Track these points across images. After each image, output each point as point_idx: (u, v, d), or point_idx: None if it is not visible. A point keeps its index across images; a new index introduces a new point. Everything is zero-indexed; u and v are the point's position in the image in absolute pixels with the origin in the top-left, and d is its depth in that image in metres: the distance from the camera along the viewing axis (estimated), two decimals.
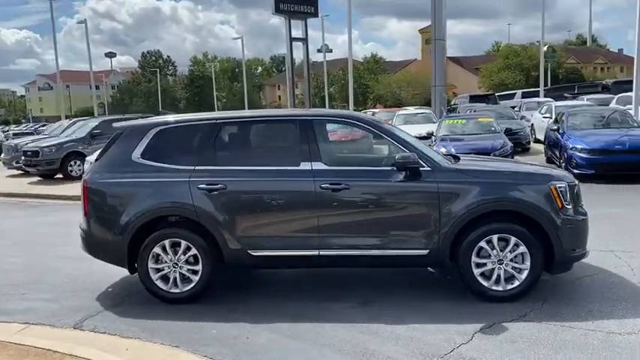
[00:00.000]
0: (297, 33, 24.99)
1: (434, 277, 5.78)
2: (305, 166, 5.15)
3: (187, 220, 5.26)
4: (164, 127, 5.51)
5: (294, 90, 30.56)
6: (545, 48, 45.23)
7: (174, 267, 5.26)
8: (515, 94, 32.06)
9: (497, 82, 52.20)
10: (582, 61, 72.52)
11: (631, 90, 22.38)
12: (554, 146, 13.59)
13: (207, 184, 5.17)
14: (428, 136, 14.75)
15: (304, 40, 31.04)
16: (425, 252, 5.02)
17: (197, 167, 5.27)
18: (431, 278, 5.78)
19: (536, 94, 30.59)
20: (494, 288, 4.99)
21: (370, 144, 5.92)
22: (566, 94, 27.38)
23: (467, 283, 5.03)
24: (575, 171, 10.95)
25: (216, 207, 5.16)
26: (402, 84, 58.30)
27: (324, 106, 61.39)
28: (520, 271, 4.96)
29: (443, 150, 11.43)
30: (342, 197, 5.06)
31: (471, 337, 4.30)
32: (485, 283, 4.99)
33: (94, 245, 5.49)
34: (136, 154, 5.38)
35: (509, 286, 4.97)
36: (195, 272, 5.25)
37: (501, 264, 4.97)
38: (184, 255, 5.24)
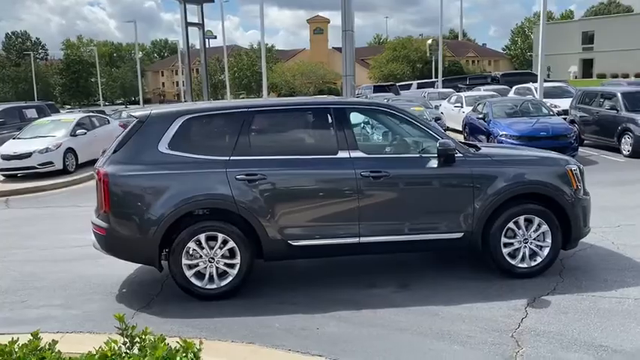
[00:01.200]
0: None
1: (451, 259, 6.06)
2: (343, 154, 5.17)
3: (224, 213, 5.05)
4: (191, 115, 5.22)
5: (191, 76, 29.77)
6: (429, 41, 47.96)
7: (209, 262, 5.05)
8: (411, 84, 33.71)
9: (387, 73, 54.43)
10: (456, 54, 77.71)
11: (519, 82, 24.59)
12: (477, 133, 14.59)
13: (246, 175, 5.01)
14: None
15: (200, 25, 30.25)
16: (459, 235, 5.27)
17: (232, 158, 5.08)
18: (449, 260, 6.04)
19: (430, 85, 32.35)
20: (520, 265, 5.37)
21: (390, 132, 6.03)
22: (460, 85, 29.35)
23: (496, 262, 5.36)
24: None
25: (257, 198, 5.02)
26: (296, 73, 58.74)
27: (216, 95, 60.27)
28: (542, 248, 5.38)
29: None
30: (382, 185, 5.15)
31: (526, 311, 4.62)
32: (512, 262, 5.36)
33: (117, 244, 5.09)
34: (163, 145, 5.06)
35: (533, 263, 5.39)
36: (231, 266, 5.07)
37: (526, 243, 5.36)
38: (221, 249, 5.04)
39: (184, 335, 4.28)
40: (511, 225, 5.32)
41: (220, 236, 5.02)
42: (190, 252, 5.02)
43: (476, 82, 30.20)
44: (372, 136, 5.83)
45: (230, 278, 5.07)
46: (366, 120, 5.66)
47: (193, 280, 5.05)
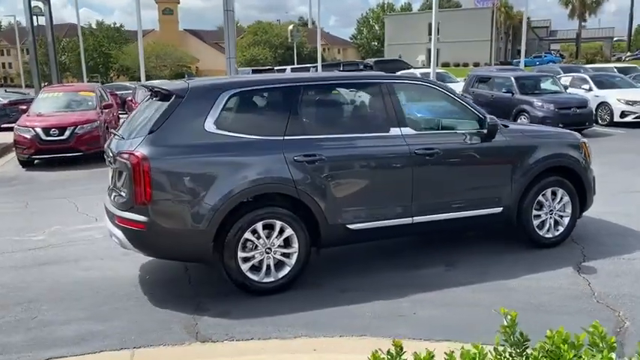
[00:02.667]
0: None
1: (468, 235, 6.14)
2: (395, 131, 4.96)
3: (282, 198, 4.58)
4: (237, 90, 4.62)
5: (37, 56, 26.74)
6: (291, 27, 48.28)
7: (266, 253, 4.55)
8: (285, 69, 33.66)
9: (249, 57, 53.78)
10: (310, 42, 79.35)
11: (393, 69, 25.86)
12: None
13: (304, 156, 4.58)
14: None
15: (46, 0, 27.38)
16: (500, 210, 5.37)
17: (286, 137, 4.61)
18: (468, 237, 6.12)
19: (305, 70, 32.50)
20: (546, 236, 5.63)
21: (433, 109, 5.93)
22: (336, 71, 29.89)
23: (528, 234, 5.55)
24: None
25: (316, 180, 4.62)
26: (150, 55, 55.41)
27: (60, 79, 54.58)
28: (562, 217, 5.70)
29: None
30: (434, 162, 5.05)
31: (583, 277, 4.85)
32: (540, 233, 5.60)
33: (160, 240, 4.36)
34: (210, 124, 4.43)
35: (557, 233, 5.67)
36: (288, 256, 4.63)
37: (551, 214, 5.63)
38: (278, 238, 4.57)
39: (284, 336, 3.86)
40: (540, 197, 5.54)
41: (278, 224, 4.55)
42: (246, 243, 4.48)
43: (349, 68, 30.99)
44: (412, 112, 5.66)
45: (287, 269, 4.62)
46: (407, 96, 5.48)
47: (250, 275, 4.52)
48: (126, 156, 4.37)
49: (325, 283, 4.86)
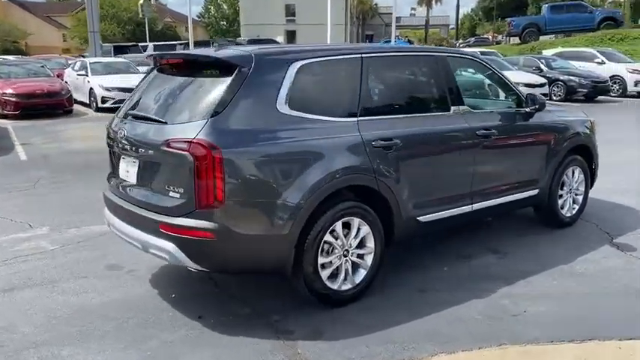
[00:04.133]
0: None
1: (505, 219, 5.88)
2: (455, 110, 4.51)
3: (361, 191, 3.88)
4: (307, 61, 3.77)
5: None
6: (141, 1, 44.94)
7: (344, 256, 3.85)
8: (147, 46, 31.20)
9: None
10: (160, 17, 74.82)
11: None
12: None
13: (382, 140, 3.92)
14: None
15: None
16: (536, 192, 5.19)
17: (360, 119, 3.91)
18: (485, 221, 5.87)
19: (171, 48, 30.38)
20: (567, 215, 5.61)
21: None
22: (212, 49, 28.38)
23: (554, 214, 5.47)
24: None
25: (393, 169, 3.99)
26: None
27: None
28: (577, 195, 5.71)
29: None
30: (491, 143, 4.68)
31: (628, 255, 4.85)
32: (563, 212, 5.55)
33: (233, 251, 3.43)
34: (282, 104, 3.57)
35: (574, 211, 5.68)
36: (362, 257, 3.97)
37: (569, 193, 5.62)
38: (355, 238, 3.89)
39: (421, 356, 3.26)
40: (564, 177, 5.48)
41: (356, 221, 3.85)
42: (324, 246, 3.73)
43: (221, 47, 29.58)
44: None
45: (363, 273, 3.95)
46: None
47: (329, 284, 3.78)
48: (183, 145, 3.35)
49: (392, 283, 4.28)
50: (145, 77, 4.25)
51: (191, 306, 3.92)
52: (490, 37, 61.07)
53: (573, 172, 5.57)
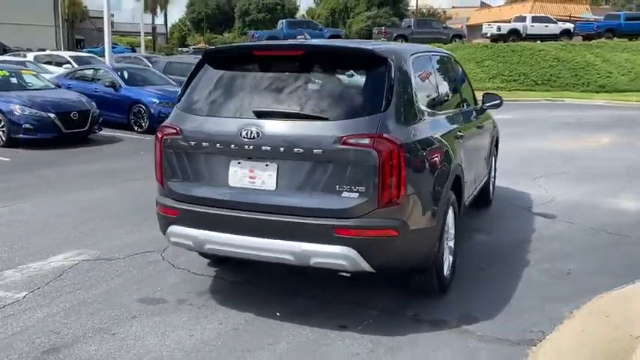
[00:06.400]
0: None
1: None
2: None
3: None
4: (416, 56, 3.89)
5: None
6: None
7: (447, 242, 4.04)
8: None
9: None
10: None
11: None
12: None
13: (459, 131, 4.37)
14: None
15: None
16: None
17: (445, 112, 4.26)
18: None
19: None
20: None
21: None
22: None
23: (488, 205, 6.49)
24: None
25: (464, 156, 4.38)
26: None
27: None
28: None
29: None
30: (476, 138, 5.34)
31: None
32: None
33: (409, 247, 3.36)
34: (414, 97, 3.66)
35: None
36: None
37: None
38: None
39: None
40: None
41: (451, 207, 4.08)
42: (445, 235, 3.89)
43: None
44: None
45: (451, 258, 4.17)
46: None
47: (444, 272, 3.93)
48: (365, 140, 3.14)
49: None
50: (221, 72, 3.70)
51: (334, 315, 3.60)
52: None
53: None
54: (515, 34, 30.48)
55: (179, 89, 12.71)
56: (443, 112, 4.19)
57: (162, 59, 18.44)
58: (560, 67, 27.77)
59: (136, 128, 12.03)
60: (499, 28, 31.09)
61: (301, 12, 63.29)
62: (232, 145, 3.36)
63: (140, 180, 7.61)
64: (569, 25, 32.54)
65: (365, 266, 3.24)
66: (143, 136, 11.66)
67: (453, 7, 63.11)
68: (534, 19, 31.99)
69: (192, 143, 3.49)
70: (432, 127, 3.75)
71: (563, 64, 27.83)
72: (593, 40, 30.59)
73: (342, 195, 3.21)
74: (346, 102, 3.40)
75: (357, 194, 3.19)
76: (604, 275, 4.43)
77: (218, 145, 3.41)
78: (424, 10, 53.56)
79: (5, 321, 3.57)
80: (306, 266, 3.31)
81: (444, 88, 4.63)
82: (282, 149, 3.26)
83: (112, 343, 3.31)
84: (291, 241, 3.26)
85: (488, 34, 31.05)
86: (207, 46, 62.31)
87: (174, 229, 3.58)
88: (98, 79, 12.78)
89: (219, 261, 4.48)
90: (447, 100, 4.58)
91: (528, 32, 31.12)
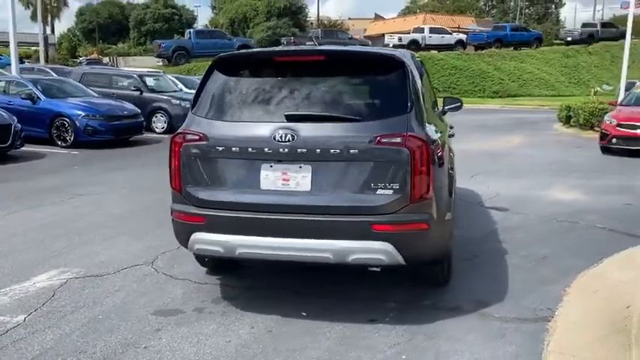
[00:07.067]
0: None
1: None
2: None
3: None
4: (414, 60, 4.17)
5: None
6: None
7: None
8: None
9: None
10: None
11: None
12: None
13: None
14: None
15: None
16: None
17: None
18: None
19: None
20: None
21: None
22: None
23: None
24: None
25: None
26: None
27: None
28: None
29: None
30: None
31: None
32: None
33: (436, 239, 3.56)
34: (423, 97, 3.90)
35: None
36: None
37: None
38: None
39: None
40: None
41: None
42: None
43: None
44: None
45: None
46: None
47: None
48: (397, 139, 3.31)
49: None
50: (240, 78, 3.70)
51: (356, 310, 3.71)
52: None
53: None
54: (414, 45, 32.16)
55: (108, 101, 12.41)
56: (435, 113, 4.46)
57: (76, 70, 17.43)
58: (459, 75, 29.75)
59: (59, 143, 11.27)
60: (400, 39, 32.67)
61: (200, 22, 62.40)
62: (266, 149, 3.38)
63: (85, 195, 7.28)
64: (462, 36, 34.97)
65: (400, 259, 3.40)
66: (68, 150, 11.03)
67: (350, 19, 65.05)
68: (432, 30, 34.05)
69: (220, 149, 3.46)
70: (435, 127, 3.99)
71: (461, 72, 29.85)
72: (485, 50, 33.08)
73: (377, 192, 3.35)
74: (375, 104, 3.56)
75: (392, 191, 3.35)
76: (575, 257, 4.92)
77: (250, 149, 3.41)
78: (325, 22, 54.73)
79: (17, 345, 3.33)
80: (343, 264, 3.40)
81: (427, 91, 4.90)
82: (318, 150, 3.34)
83: (149, 356, 3.21)
84: (328, 240, 3.34)
85: (391, 45, 32.45)
86: (99, 57, 59.20)
87: (199, 235, 3.52)
88: (12, 92, 11.86)
89: (216, 269, 4.45)
90: (433, 102, 4.84)
91: (427, 42, 33.07)
